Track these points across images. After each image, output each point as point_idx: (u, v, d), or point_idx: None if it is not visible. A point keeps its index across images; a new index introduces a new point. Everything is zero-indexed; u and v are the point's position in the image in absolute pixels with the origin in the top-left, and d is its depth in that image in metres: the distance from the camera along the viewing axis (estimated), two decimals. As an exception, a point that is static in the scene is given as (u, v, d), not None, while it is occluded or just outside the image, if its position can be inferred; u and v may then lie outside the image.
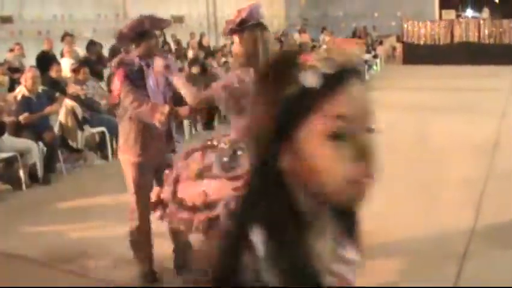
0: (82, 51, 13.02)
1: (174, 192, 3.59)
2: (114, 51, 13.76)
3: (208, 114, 10.31)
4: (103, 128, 8.77)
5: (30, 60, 12.15)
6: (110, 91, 4.39)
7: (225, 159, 3.50)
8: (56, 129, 8.20)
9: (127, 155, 4.34)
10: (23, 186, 7.30)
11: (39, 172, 7.57)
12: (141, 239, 4.49)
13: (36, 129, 7.68)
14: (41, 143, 7.61)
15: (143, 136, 4.21)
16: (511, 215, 5.65)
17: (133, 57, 4.30)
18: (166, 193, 3.65)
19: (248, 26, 3.66)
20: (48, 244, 5.42)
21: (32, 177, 7.54)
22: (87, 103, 8.81)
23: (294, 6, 27.66)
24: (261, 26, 3.71)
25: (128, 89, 4.14)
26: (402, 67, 22.68)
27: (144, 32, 4.26)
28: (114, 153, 8.91)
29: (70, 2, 16.18)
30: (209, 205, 3.38)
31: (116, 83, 4.25)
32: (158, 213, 3.73)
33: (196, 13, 20.26)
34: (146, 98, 4.12)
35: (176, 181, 3.62)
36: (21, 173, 7.29)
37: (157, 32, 4.48)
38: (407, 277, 4.41)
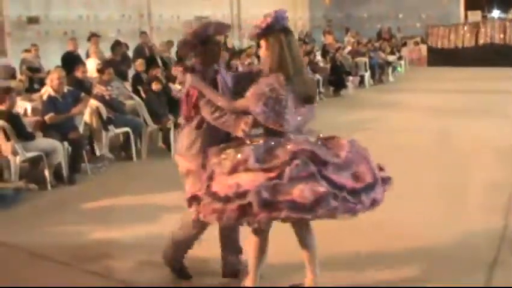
0: (106, 52, 13.10)
1: (208, 187, 3.70)
2: (139, 52, 13.85)
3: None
4: (127, 129, 8.80)
5: (56, 61, 12.24)
6: (186, 104, 4.20)
7: (259, 152, 3.61)
8: (81, 129, 8.23)
9: (186, 162, 4.22)
10: (48, 186, 7.34)
11: (65, 172, 7.61)
12: (188, 244, 4.45)
13: (62, 129, 7.72)
14: (66, 143, 7.64)
15: (208, 146, 4.06)
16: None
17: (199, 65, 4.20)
18: (200, 190, 3.77)
19: (273, 31, 3.77)
20: (72, 244, 5.43)
21: (57, 177, 7.57)
22: (112, 103, 8.84)
23: (318, 8, 27.58)
24: (285, 31, 3.82)
25: (207, 99, 4.02)
26: (427, 69, 22.50)
27: (208, 38, 4.13)
28: (138, 153, 8.95)
29: (95, 2, 16.30)
30: (240, 195, 3.49)
31: (186, 91, 4.15)
32: (193, 208, 3.81)
33: (220, 14, 20.26)
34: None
35: (210, 178, 3.73)
36: (46, 172, 7.33)
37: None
38: (433, 284, 4.33)
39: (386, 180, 3.86)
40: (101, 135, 8.66)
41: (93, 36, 12.96)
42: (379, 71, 18.77)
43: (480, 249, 4.92)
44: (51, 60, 12.57)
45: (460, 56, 22.29)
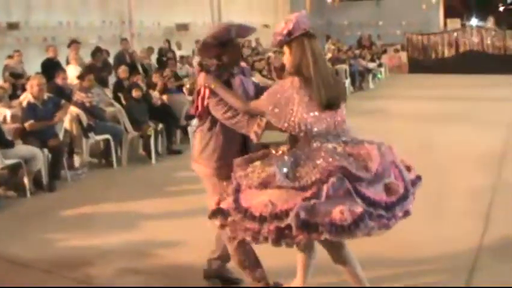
0: (87, 58, 13.05)
1: (236, 201, 3.55)
2: (119, 59, 13.81)
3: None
4: (107, 136, 8.77)
5: (36, 67, 12.16)
6: (193, 101, 4.13)
7: (285, 169, 3.47)
8: (61, 136, 8.18)
9: (202, 166, 4.14)
10: (28, 193, 7.28)
11: (44, 179, 7.56)
12: (243, 251, 4.15)
13: (42, 136, 7.67)
14: (46, 150, 7.58)
15: (221, 149, 4.05)
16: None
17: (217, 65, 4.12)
18: (227, 203, 3.61)
19: (295, 36, 3.69)
20: (52, 251, 5.40)
21: (37, 184, 7.52)
22: (92, 110, 8.81)
23: (299, 15, 27.69)
24: (308, 35, 3.72)
25: (218, 98, 3.93)
26: (407, 76, 22.67)
27: (229, 40, 4.06)
28: (119, 160, 8.91)
29: (76, 9, 16.22)
30: (277, 215, 3.34)
31: (198, 90, 4.04)
32: (218, 221, 3.66)
33: (201, 21, 20.27)
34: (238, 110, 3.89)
35: (237, 191, 3.60)
36: (26, 180, 7.27)
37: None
38: (414, 289, 4.37)
39: (415, 182, 3.81)
40: (81, 142, 8.63)
41: (73, 43, 12.90)
42: (359, 78, 18.87)
43: (460, 254, 4.95)
44: (31, 68, 12.49)
45: (440, 63, 22.48)
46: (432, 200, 6.51)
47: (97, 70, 11.36)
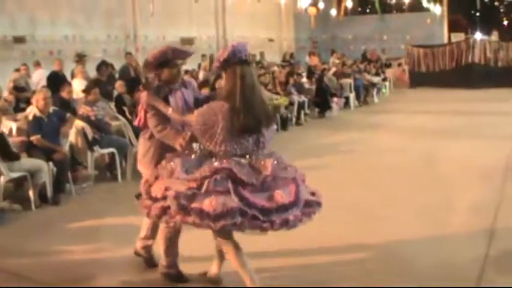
0: (92, 72, 13.12)
1: (149, 186, 4.22)
2: (124, 72, 13.88)
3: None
4: (112, 149, 8.78)
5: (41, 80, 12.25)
6: (136, 114, 4.89)
7: (187, 165, 4.10)
8: (66, 149, 8.19)
9: (144, 168, 4.77)
10: (33, 206, 7.29)
11: (49, 192, 7.57)
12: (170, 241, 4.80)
13: (47, 150, 7.68)
14: (51, 163, 7.60)
15: (159, 154, 4.58)
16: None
17: (157, 84, 4.70)
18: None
19: (230, 64, 4.12)
20: (56, 265, 5.40)
21: (42, 197, 7.53)
22: (97, 124, 8.83)
23: (304, 29, 27.83)
24: (242, 64, 4.12)
25: (153, 112, 4.51)
26: (410, 90, 22.68)
27: (167, 61, 4.62)
28: (123, 174, 8.93)
29: (81, 23, 16.35)
30: (165, 197, 3.98)
31: (141, 105, 4.64)
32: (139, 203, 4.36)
33: (205, 36, 20.37)
34: (168, 123, 4.48)
35: (156, 178, 4.25)
36: (31, 193, 7.28)
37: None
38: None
39: (311, 204, 4.10)
40: (86, 156, 8.64)
41: (79, 57, 13.00)
42: (364, 92, 18.89)
43: (464, 270, 4.94)
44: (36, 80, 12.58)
45: (441, 77, 22.37)
46: (436, 214, 6.52)
47: (102, 84, 11.40)
